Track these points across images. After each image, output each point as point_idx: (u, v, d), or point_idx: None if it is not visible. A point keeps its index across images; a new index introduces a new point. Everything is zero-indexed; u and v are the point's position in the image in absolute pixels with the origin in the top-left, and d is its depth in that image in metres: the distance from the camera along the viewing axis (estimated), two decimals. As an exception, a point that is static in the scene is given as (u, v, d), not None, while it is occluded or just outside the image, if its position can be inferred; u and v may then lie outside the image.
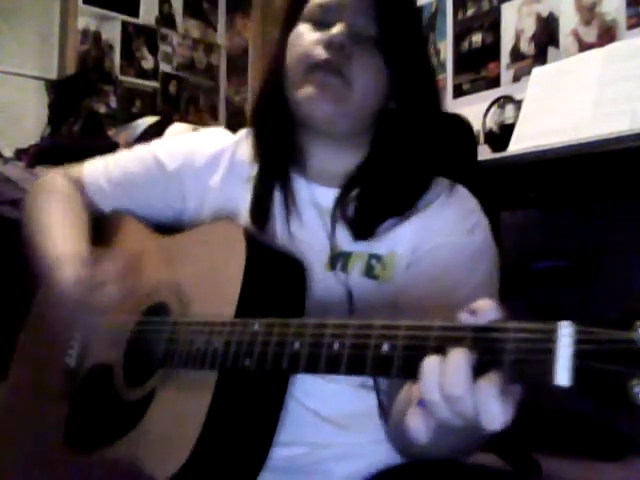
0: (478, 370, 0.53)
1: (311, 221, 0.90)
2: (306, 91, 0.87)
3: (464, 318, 0.55)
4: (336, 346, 0.61)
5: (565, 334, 0.49)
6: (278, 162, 0.94)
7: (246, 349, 0.69)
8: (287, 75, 0.91)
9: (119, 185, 1.03)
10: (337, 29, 0.86)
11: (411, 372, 0.56)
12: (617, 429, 2.09)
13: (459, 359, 0.53)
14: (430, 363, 0.55)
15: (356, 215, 0.89)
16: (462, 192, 0.93)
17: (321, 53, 0.86)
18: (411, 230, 0.87)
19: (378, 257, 0.86)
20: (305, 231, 0.90)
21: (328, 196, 0.91)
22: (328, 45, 0.86)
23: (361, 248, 0.87)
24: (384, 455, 0.83)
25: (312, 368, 0.64)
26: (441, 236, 0.86)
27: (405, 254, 0.86)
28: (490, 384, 0.52)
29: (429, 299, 0.80)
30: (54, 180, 1.06)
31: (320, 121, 0.89)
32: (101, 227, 1.02)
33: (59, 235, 0.94)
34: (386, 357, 0.58)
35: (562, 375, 0.48)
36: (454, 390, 0.53)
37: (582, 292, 2.19)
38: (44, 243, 0.94)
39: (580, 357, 0.48)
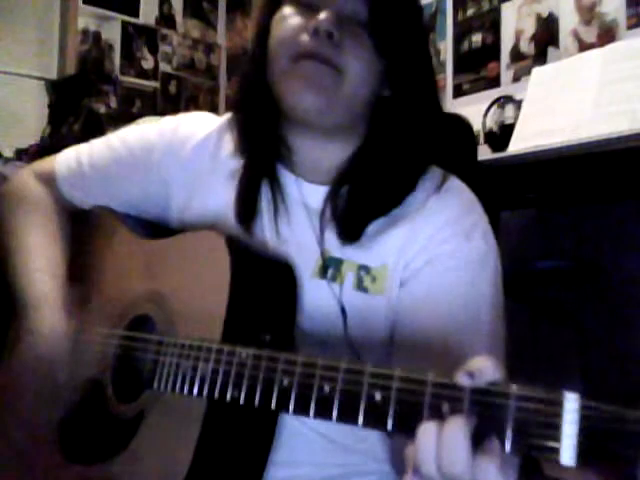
0: (477, 436, 0.50)
1: (300, 221, 0.85)
2: (291, 82, 0.80)
3: (461, 381, 0.51)
4: (326, 389, 0.58)
5: (571, 409, 0.46)
6: (264, 157, 0.87)
7: (234, 380, 0.66)
8: (270, 63, 0.84)
9: (94, 182, 0.98)
10: (324, 15, 0.77)
11: (406, 429, 0.54)
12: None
13: (458, 433, 0.49)
14: (426, 434, 0.51)
15: (344, 214, 0.83)
16: (456, 189, 0.86)
17: (307, 41, 0.79)
18: (402, 238, 0.82)
19: (367, 268, 0.81)
20: (294, 232, 0.85)
21: (317, 194, 0.86)
22: (314, 32, 0.78)
23: (351, 256, 0.82)
24: (385, 474, 0.82)
25: (302, 409, 0.60)
26: (436, 245, 0.80)
27: (397, 267, 0.81)
28: (491, 460, 0.49)
29: (428, 321, 0.76)
30: (27, 186, 1.00)
31: (307, 114, 0.81)
32: (81, 228, 0.99)
33: (38, 265, 0.91)
34: (379, 408, 0.55)
35: (567, 454, 0.46)
36: (452, 468, 0.50)
37: (582, 292, 2.19)
38: (21, 271, 0.91)
39: (587, 436, 0.45)
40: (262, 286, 0.77)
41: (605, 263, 2.14)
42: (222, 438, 0.72)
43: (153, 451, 0.75)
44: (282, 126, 0.88)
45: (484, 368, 0.51)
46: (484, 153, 2.20)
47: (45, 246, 0.94)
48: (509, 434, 0.49)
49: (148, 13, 3.91)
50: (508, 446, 0.49)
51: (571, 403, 0.47)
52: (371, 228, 0.83)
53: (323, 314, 0.80)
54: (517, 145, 2.06)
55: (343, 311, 0.80)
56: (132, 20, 3.84)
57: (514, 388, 0.50)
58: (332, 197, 0.85)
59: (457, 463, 0.49)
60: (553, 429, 0.46)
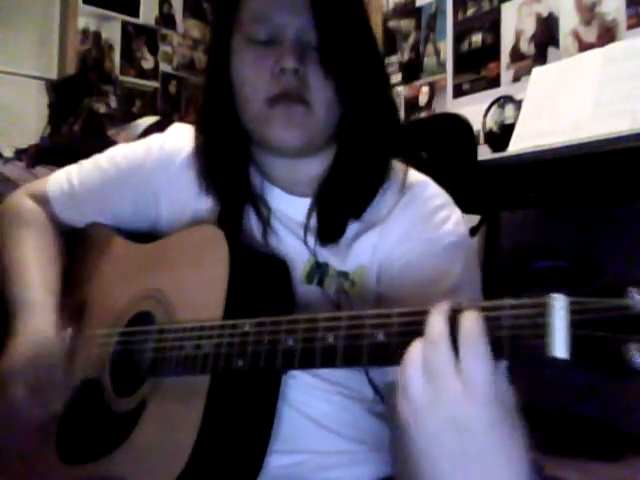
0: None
1: (286, 232, 0.88)
2: (272, 126, 0.83)
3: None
4: (330, 339, 0.61)
5: (559, 306, 0.50)
6: (239, 192, 0.89)
7: (238, 350, 0.68)
8: (242, 106, 0.86)
9: (85, 202, 1.00)
10: (286, 51, 0.81)
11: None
12: (617, 429, 2.08)
13: (476, 318, 0.53)
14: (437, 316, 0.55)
15: (324, 217, 0.86)
16: (424, 191, 0.88)
17: (276, 83, 0.82)
18: (375, 239, 0.85)
19: (345, 274, 0.84)
20: (280, 242, 0.87)
21: (301, 206, 0.88)
22: (282, 72, 0.81)
23: (331, 262, 0.85)
24: (384, 463, 0.82)
25: (307, 363, 0.63)
26: (409, 239, 0.83)
27: (372, 265, 0.84)
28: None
29: (409, 302, 0.78)
30: (23, 205, 1.02)
31: (289, 150, 0.85)
32: (79, 241, 1.01)
33: (30, 279, 0.92)
34: (382, 345, 0.58)
35: (559, 347, 0.49)
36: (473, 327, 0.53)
37: (581, 292, 2.19)
38: (15, 281, 0.93)
39: (576, 327, 0.49)
40: (260, 279, 0.79)
41: (605, 263, 2.14)
42: (226, 414, 0.72)
43: (156, 435, 0.75)
44: (256, 151, 0.90)
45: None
46: (484, 153, 2.20)
47: (40, 258, 0.96)
48: (505, 341, 0.52)
49: (148, 13, 3.91)
50: (506, 352, 0.52)
51: (559, 302, 0.50)
52: (348, 234, 0.86)
53: None
54: (517, 145, 2.06)
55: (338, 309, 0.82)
56: (132, 20, 3.85)
57: (507, 300, 0.54)
58: (315, 208, 0.88)
59: (477, 322, 0.53)
60: (545, 327, 0.50)
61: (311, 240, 0.86)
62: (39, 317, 0.87)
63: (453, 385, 0.53)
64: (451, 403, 0.53)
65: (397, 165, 0.91)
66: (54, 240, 1.00)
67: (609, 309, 0.48)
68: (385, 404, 0.82)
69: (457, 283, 0.80)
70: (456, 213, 0.87)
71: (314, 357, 0.62)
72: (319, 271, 0.85)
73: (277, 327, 0.66)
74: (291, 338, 0.64)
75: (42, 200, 1.03)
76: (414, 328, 0.56)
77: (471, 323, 0.53)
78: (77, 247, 1.01)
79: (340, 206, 0.86)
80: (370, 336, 0.59)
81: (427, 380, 0.54)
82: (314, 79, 0.83)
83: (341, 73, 0.83)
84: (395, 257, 0.83)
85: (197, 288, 0.78)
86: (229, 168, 0.90)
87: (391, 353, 0.57)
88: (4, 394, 0.85)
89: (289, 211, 0.89)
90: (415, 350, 0.55)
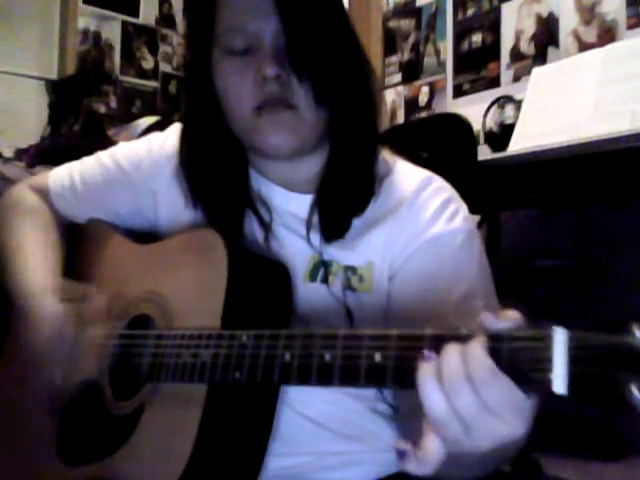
0: None
1: (287, 232, 0.88)
2: (262, 134, 0.83)
3: (486, 317, 0.54)
4: (327, 357, 0.60)
5: (560, 341, 0.48)
6: (238, 197, 0.89)
7: (235, 362, 0.68)
8: (230, 116, 0.86)
9: (85, 199, 1.01)
10: (265, 59, 0.81)
11: (405, 382, 0.56)
12: (618, 429, 2.08)
13: (480, 348, 0.52)
14: (450, 349, 0.53)
15: (327, 214, 0.86)
16: (429, 186, 0.88)
17: (261, 92, 0.82)
18: (385, 237, 0.84)
19: (353, 269, 0.84)
20: (282, 241, 0.87)
21: (303, 203, 0.88)
22: (264, 81, 0.81)
23: (337, 258, 0.84)
24: (385, 463, 0.82)
25: (304, 380, 0.63)
26: (421, 236, 0.83)
27: (384, 264, 0.84)
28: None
29: (422, 303, 0.78)
30: (23, 195, 1.03)
31: (283, 155, 0.85)
32: (78, 237, 1.01)
33: (34, 261, 0.93)
34: (379, 367, 0.57)
35: (559, 383, 0.48)
36: (483, 379, 0.51)
37: (582, 292, 2.19)
38: (18, 268, 0.93)
39: (576, 363, 0.48)
40: (258, 284, 0.78)
41: (605, 263, 2.14)
42: (223, 421, 0.72)
43: (153, 441, 0.75)
44: (253, 155, 0.90)
45: (511, 315, 0.54)
46: (484, 153, 2.20)
47: (43, 246, 0.96)
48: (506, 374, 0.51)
49: (148, 13, 3.92)
50: None
51: (560, 336, 0.49)
52: (352, 230, 0.85)
53: (318, 315, 0.81)
54: (517, 145, 2.06)
55: (349, 312, 0.82)
56: (132, 20, 3.85)
57: (506, 330, 0.52)
58: (317, 204, 0.88)
59: (485, 363, 0.51)
60: (545, 362, 0.49)
61: (315, 237, 0.85)
62: (45, 299, 0.87)
63: (486, 423, 0.53)
64: (488, 436, 0.53)
65: (399, 162, 0.91)
66: (53, 226, 1.00)
67: (612, 346, 0.47)
68: (394, 404, 0.83)
69: (473, 282, 0.80)
70: (463, 207, 0.87)
71: (310, 374, 0.62)
72: (323, 268, 0.84)
73: (275, 342, 0.65)
74: (288, 353, 0.64)
75: (43, 193, 1.03)
76: (411, 353, 0.56)
77: (481, 357, 0.52)
78: (76, 243, 1.00)
79: (341, 201, 0.86)
80: (367, 357, 0.58)
81: (462, 426, 0.53)
82: (297, 82, 0.82)
83: (316, 73, 0.82)
84: (408, 255, 0.83)
85: (195, 293, 0.78)
86: (225, 176, 0.89)
87: (387, 376, 0.57)
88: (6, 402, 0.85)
89: (291, 207, 0.89)
90: (438, 398, 0.53)
